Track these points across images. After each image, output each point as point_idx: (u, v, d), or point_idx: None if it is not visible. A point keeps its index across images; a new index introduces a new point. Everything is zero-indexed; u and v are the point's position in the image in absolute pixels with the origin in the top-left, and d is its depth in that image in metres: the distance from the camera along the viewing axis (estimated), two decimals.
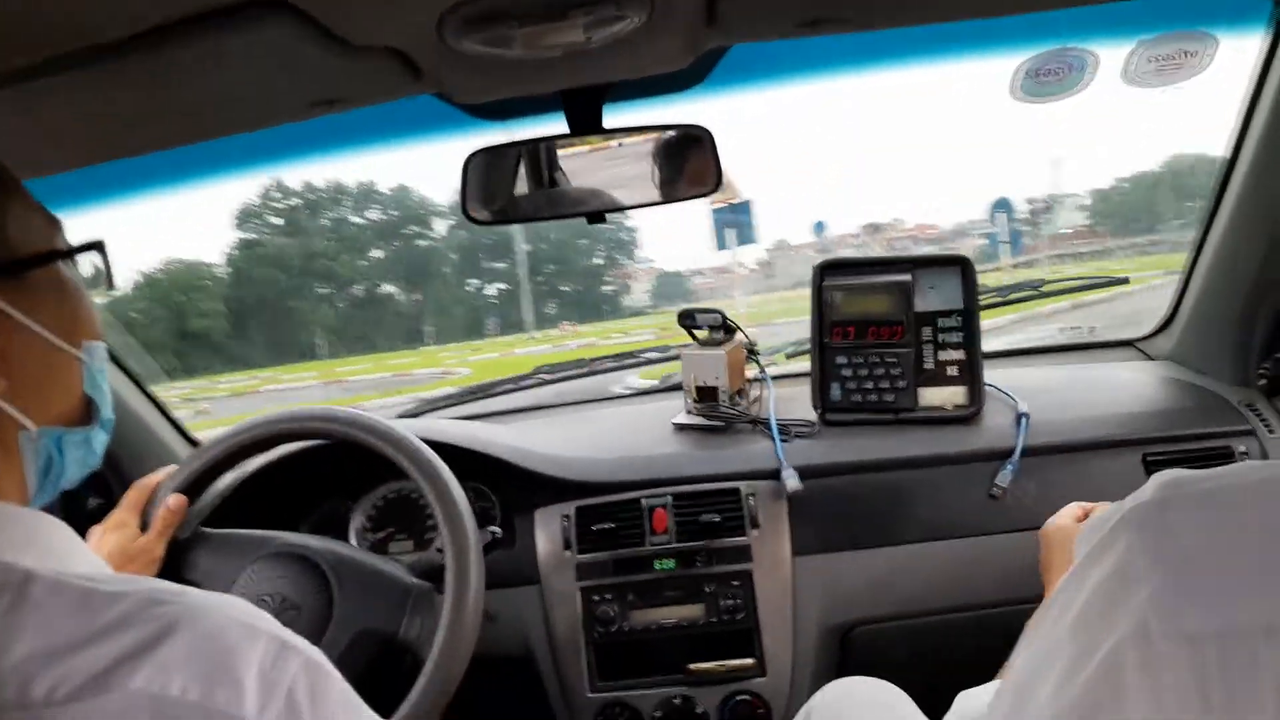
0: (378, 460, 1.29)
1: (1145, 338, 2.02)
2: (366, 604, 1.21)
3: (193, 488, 1.35)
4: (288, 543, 1.29)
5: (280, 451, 1.62)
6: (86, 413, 0.72)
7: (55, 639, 0.55)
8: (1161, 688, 0.54)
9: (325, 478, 1.68)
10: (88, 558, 0.67)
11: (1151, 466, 1.56)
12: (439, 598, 1.20)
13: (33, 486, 0.69)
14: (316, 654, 0.62)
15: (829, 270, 1.72)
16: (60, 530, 0.66)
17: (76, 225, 0.73)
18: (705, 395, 1.73)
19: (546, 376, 2.07)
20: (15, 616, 0.55)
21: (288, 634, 0.62)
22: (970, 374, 1.66)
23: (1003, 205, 12.59)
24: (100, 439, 0.75)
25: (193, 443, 1.87)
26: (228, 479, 1.56)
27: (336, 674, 0.63)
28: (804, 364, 1.93)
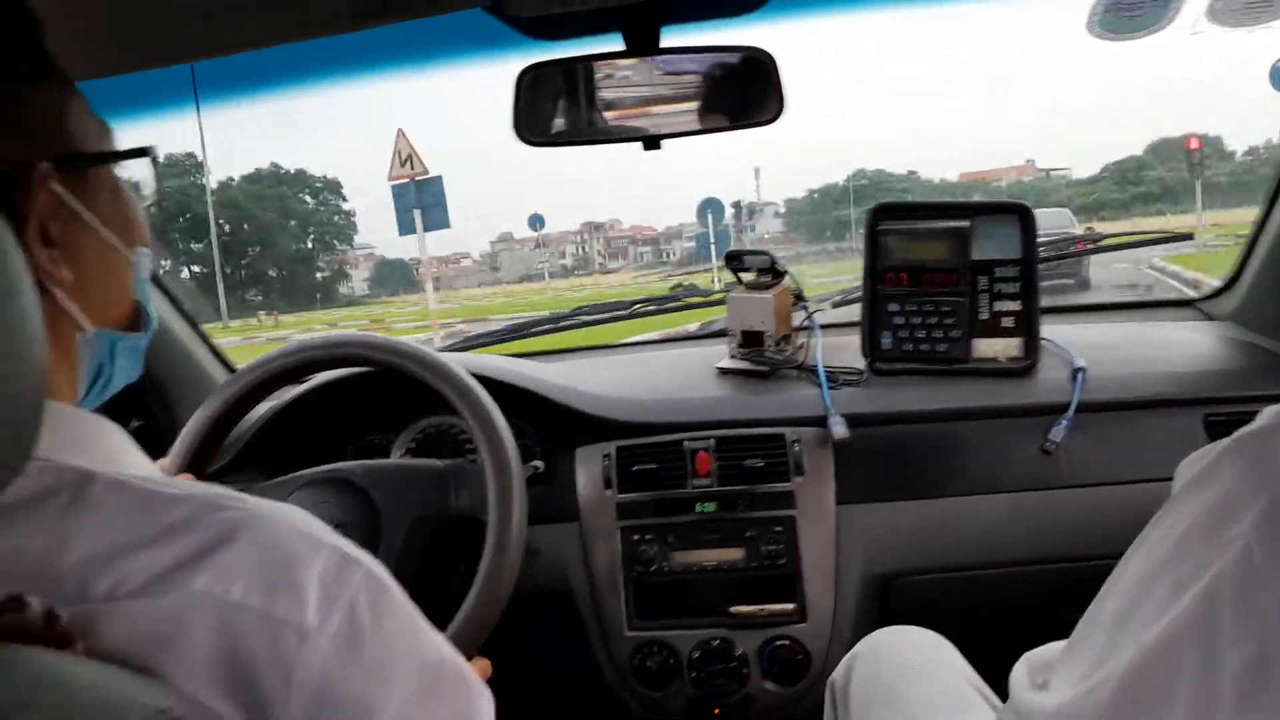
0: (419, 392, 1.28)
1: (1207, 298, 1.96)
2: (408, 496, 1.23)
3: (224, 420, 1.34)
4: (313, 471, 1.29)
5: (319, 380, 1.61)
6: (135, 320, 0.72)
7: (116, 538, 0.54)
8: (1262, 612, 0.51)
9: (364, 410, 1.68)
10: (141, 460, 0.67)
11: (1212, 427, 1.52)
12: (477, 466, 1.22)
13: (81, 391, 0.68)
14: (379, 568, 0.61)
15: (883, 214, 1.67)
16: (114, 432, 0.65)
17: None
18: (750, 340, 1.70)
19: (587, 317, 2.04)
20: (74, 515, 0.55)
21: (349, 546, 0.60)
22: (1026, 326, 1.61)
23: (712, 206, 13.09)
24: (143, 348, 0.74)
25: (230, 368, 1.87)
26: (263, 408, 1.56)
27: (398, 590, 0.62)
28: (850, 313, 1.90)
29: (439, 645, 0.64)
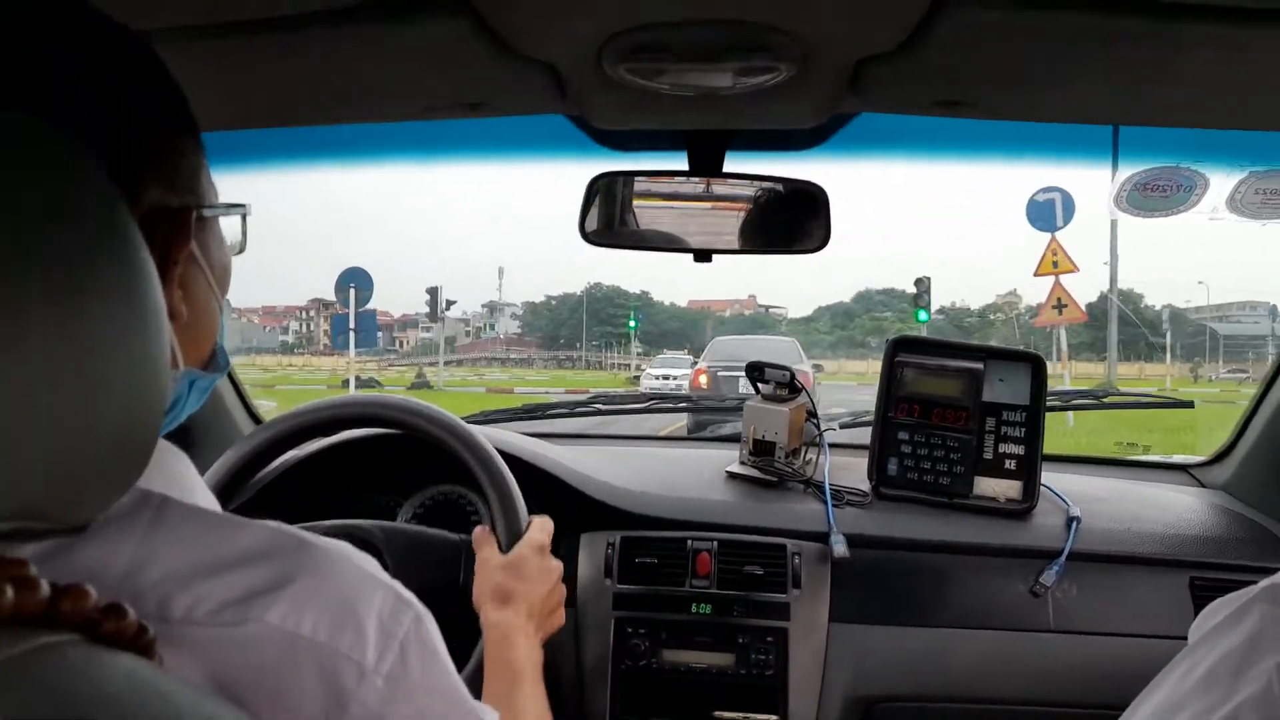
0: (431, 459, 1.31)
1: (1200, 464, 2.02)
2: (421, 566, 1.25)
3: (250, 465, 1.38)
4: (333, 524, 1.32)
5: (336, 439, 1.65)
6: (210, 361, 0.76)
7: (193, 561, 0.57)
8: None
9: (375, 473, 1.71)
10: (205, 491, 0.70)
11: (1198, 591, 1.56)
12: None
13: None
14: (424, 611, 0.65)
15: (903, 347, 1.74)
16: (184, 461, 0.69)
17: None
18: (761, 449, 1.75)
19: (603, 406, 2.09)
20: (154, 536, 0.58)
21: (401, 587, 0.65)
22: (1028, 470, 1.66)
23: (356, 280, 11.16)
24: (211, 388, 0.78)
25: (256, 419, 1.91)
26: (278, 461, 1.58)
27: (438, 632, 0.66)
28: (857, 435, 1.95)
29: (465, 692, 0.68)
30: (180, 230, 0.65)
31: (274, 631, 0.56)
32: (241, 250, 0.83)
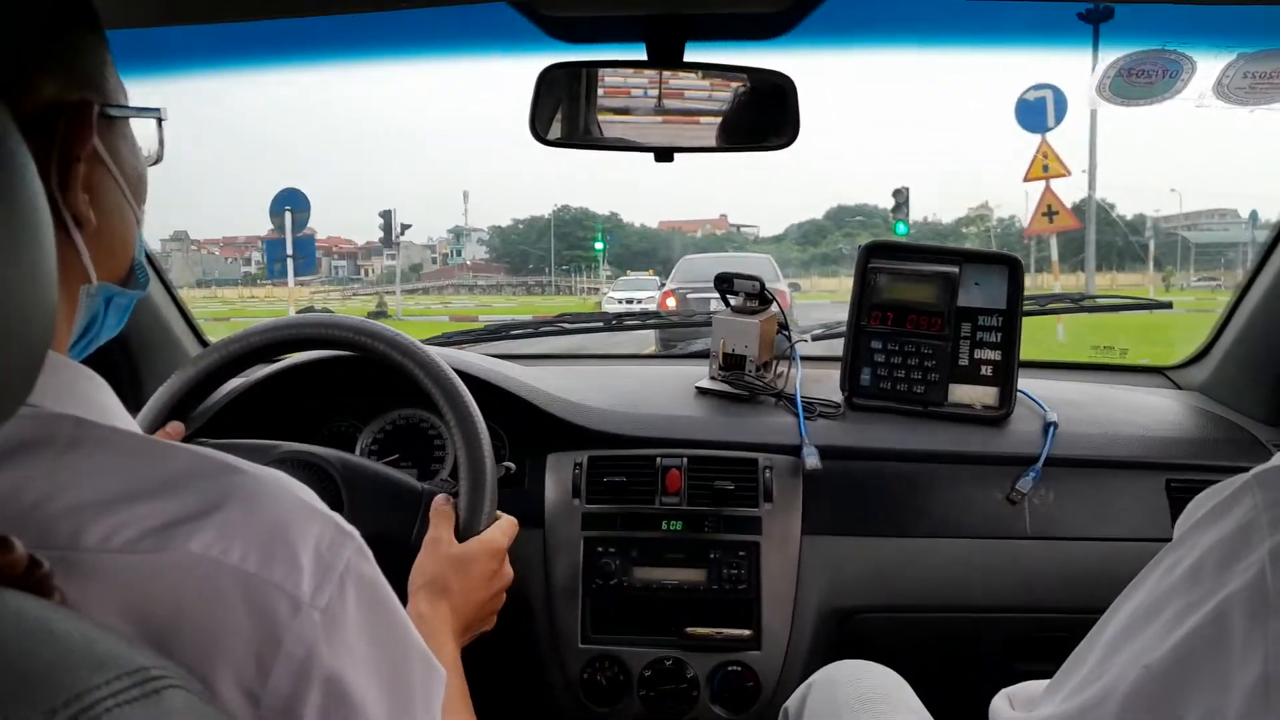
0: (391, 382, 1.25)
1: (1176, 367, 2.00)
2: (378, 510, 1.17)
3: (197, 389, 1.31)
4: (294, 449, 1.25)
5: (292, 360, 1.58)
6: (129, 277, 0.71)
7: (109, 488, 0.53)
8: (1268, 637, 0.53)
9: (333, 396, 1.65)
10: (126, 417, 0.66)
11: (1175, 492, 1.55)
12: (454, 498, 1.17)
13: (70, 341, 0.67)
14: (364, 544, 0.60)
15: (876, 252, 1.68)
16: (102, 386, 0.64)
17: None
18: (732, 363, 1.70)
19: (568, 325, 2.04)
20: (68, 463, 0.54)
21: (341, 519, 0.60)
22: (1004, 376, 1.63)
23: (293, 202, 10.16)
24: (131, 306, 0.73)
25: (203, 341, 1.84)
26: (232, 383, 1.52)
27: (378, 569, 0.61)
28: (831, 347, 1.91)
29: (410, 628, 0.64)
30: (81, 126, 0.61)
31: (197, 560, 0.52)
32: (158, 160, 0.78)
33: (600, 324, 2.08)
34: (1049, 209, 10.00)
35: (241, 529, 0.53)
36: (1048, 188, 9.95)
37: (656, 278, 24.74)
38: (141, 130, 0.73)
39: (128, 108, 0.68)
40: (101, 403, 0.63)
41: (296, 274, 9.92)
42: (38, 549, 0.46)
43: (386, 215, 18.89)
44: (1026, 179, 9.98)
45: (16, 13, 0.58)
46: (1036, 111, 9.77)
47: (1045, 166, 9.85)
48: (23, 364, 0.48)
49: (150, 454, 0.56)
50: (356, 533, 0.60)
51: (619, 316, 2.14)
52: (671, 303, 12.06)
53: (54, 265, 0.50)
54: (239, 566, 0.52)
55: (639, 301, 18.06)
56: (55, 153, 0.59)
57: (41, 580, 0.46)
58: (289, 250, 9.62)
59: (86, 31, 0.64)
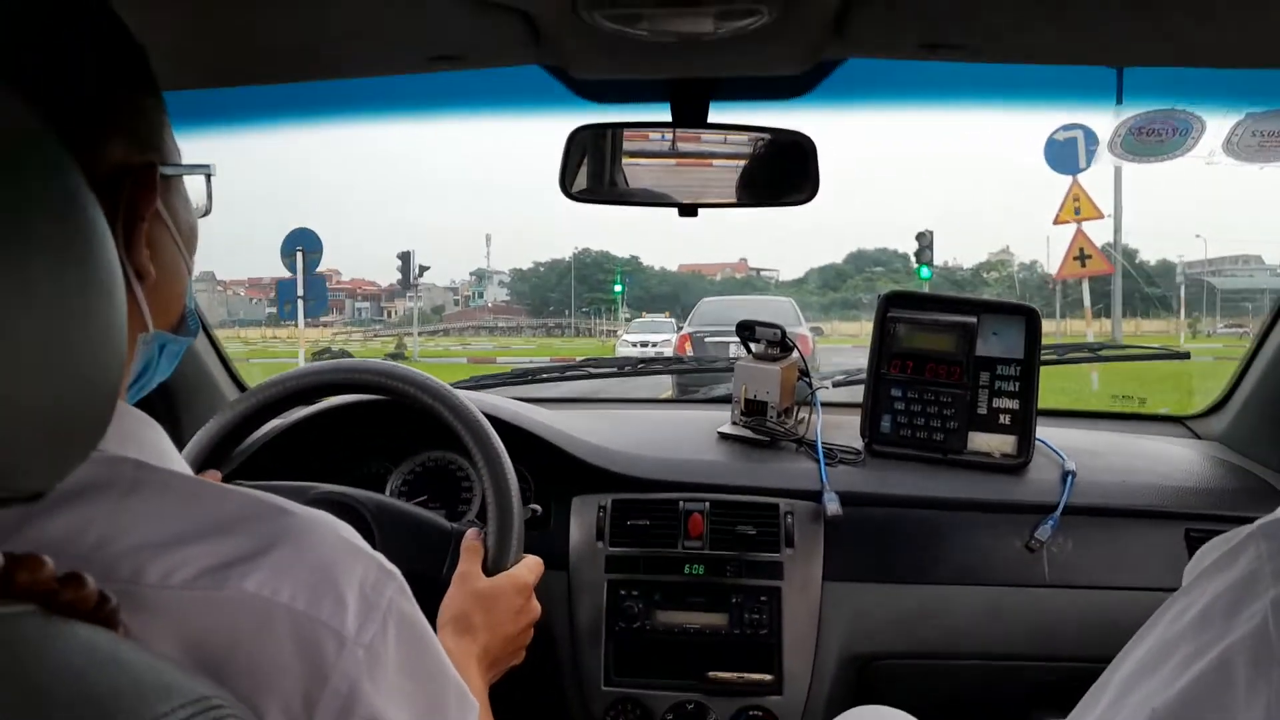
0: (422, 424, 1.29)
1: (1195, 416, 2.00)
2: (409, 549, 1.20)
3: (235, 433, 1.36)
4: (328, 490, 1.29)
5: (325, 405, 1.63)
6: (180, 325, 0.74)
7: (169, 529, 0.56)
8: (1271, 685, 0.55)
9: (365, 438, 1.69)
10: (180, 459, 0.69)
11: (1194, 542, 1.55)
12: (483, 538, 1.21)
13: (126, 386, 0.70)
14: (404, 582, 0.64)
15: (895, 302, 1.72)
16: (156, 430, 0.68)
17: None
18: (753, 409, 1.73)
19: (593, 370, 2.07)
20: (129, 504, 0.57)
21: (383, 558, 0.63)
22: (1022, 424, 1.65)
23: (305, 242, 9.72)
24: (182, 352, 0.77)
25: (240, 385, 1.89)
26: (268, 425, 1.57)
27: (416, 604, 0.64)
28: (850, 394, 1.94)
29: (447, 663, 0.66)
30: (146, 187, 0.64)
31: (251, 599, 0.55)
32: (207, 212, 0.82)
33: (625, 369, 2.11)
34: (1081, 252, 9.44)
35: (291, 569, 0.57)
36: (1079, 231, 9.39)
37: (672, 320, 24.32)
38: (191, 184, 0.76)
39: (183, 165, 0.71)
40: (158, 446, 0.66)
41: (308, 315, 9.73)
42: (101, 585, 0.49)
43: (405, 257, 18.68)
44: (1057, 221, 9.46)
45: (89, 79, 0.61)
46: (1067, 152, 8.88)
47: (1077, 209, 9.29)
48: (98, 413, 0.51)
49: (206, 497, 0.60)
50: (398, 572, 0.63)
51: (643, 361, 2.17)
52: (688, 347, 11.83)
53: (125, 320, 0.53)
54: (289, 605, 0.56)
55: (654, 345, 17.72)
56: (122, 212, 0.62)
57: (110, 614, 0.49)
58: (300, 291, 9.28)
59: (148, 95, 0.67)
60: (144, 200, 0.64)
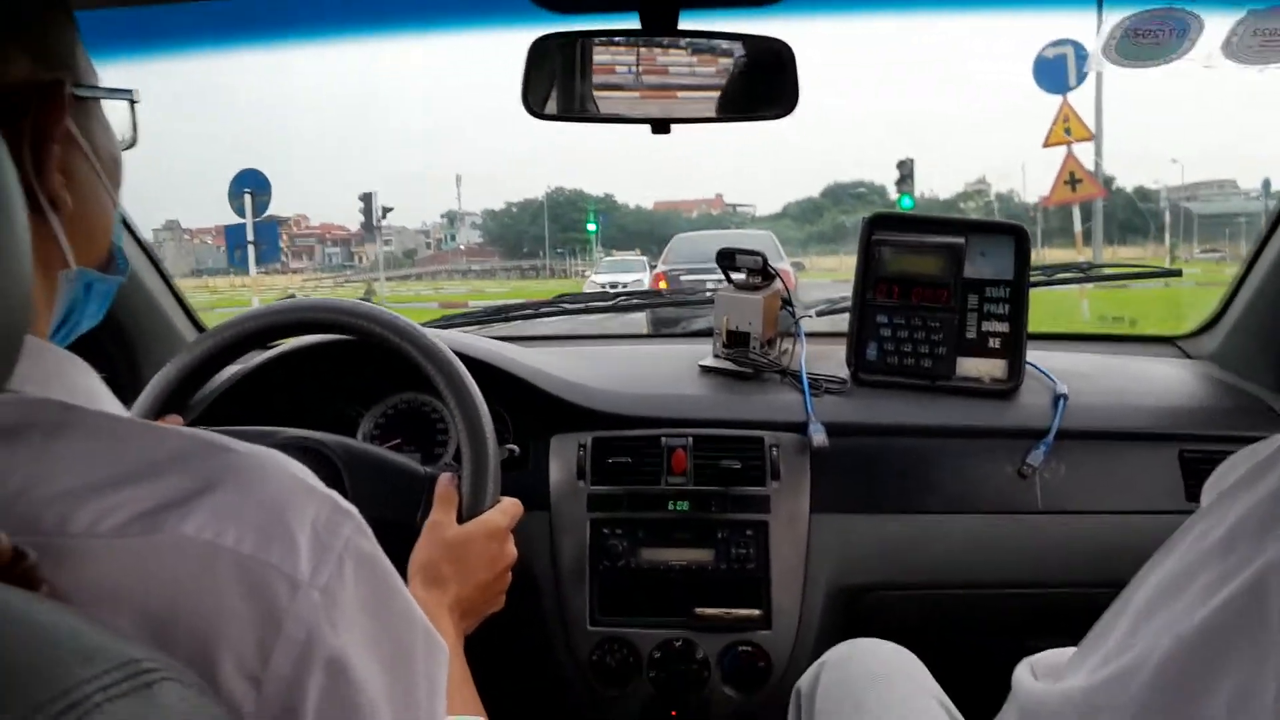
0: (392, 366, 1.24)
1: (1187, 336, 1.97)
2: (380, 494, 1.16)
3: (193, 377, 1.30)
4: (294, 435, 1.23)
5: (291, 344, 1.57)
6: (109, 263, 0.71)
7: (96, 472, 0.51)
8: None
9: (334, 380, 1.63)
10: (114, 402, 0.64)
11: (1188, 463, 1.53)
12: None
13: (51, 328, 0.66)
14: (364, 522, 0.59)
15: (879, 224, 1.66)
16: (87, 370, 0.63)
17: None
18: (735, 340, 1.68)
19: (569, 305, 2.02)
20: (53, 449, 0.52)
21: (338, 497, 0.58)
22: (1013, 348, 1.61)
23: (252, 183, 8.67)
24: (113, 292, 0.72)
25: (198, 325, 1.82)
26: (230, 370, 1.51)
27: (378, 545, 0.60)
28: (836, 323, 1.89)
29: (413, 605, 0.62)
30: (53, 107, 0.60)
31: (190, 543, 0.50)
32: (132, 144, 0.76)
33: (602, 304, 2.06)
34: (1071, 176, 8.88)
35: (236, 510, 0.52)
36: (1070, 154, 8.86)
37: (644, 258, 23.21)
38: (114, 115, 0.71)
39: (100, 88, 0.67)
40: (87, 387, 0.61)
41: (259, 261, 9.14)
42: (23, 537, 0.44)
43: (367, 199, 18.04)
44: (1046, 144, 8.88)
45: None
46: (1056, 69, 8.53)
47: (1067, 130, 8.72)
48: None
49: (139, 436, 0.54)
50: (355, 510, 0.59)
51: (622, 296, 2.12)
52: (663, 286, 11.27)
53: (28, 247, 0.49)
54: (234, 549, 0.51)
55: (624, 286, 15.62)
56: (28, 134, 0.58)
57: (27, 572, 0.44)
58: (249, 236, 8.56)
59: (55, 10, 0.63)
60: (52, 120, 0.60)
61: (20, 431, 0.52)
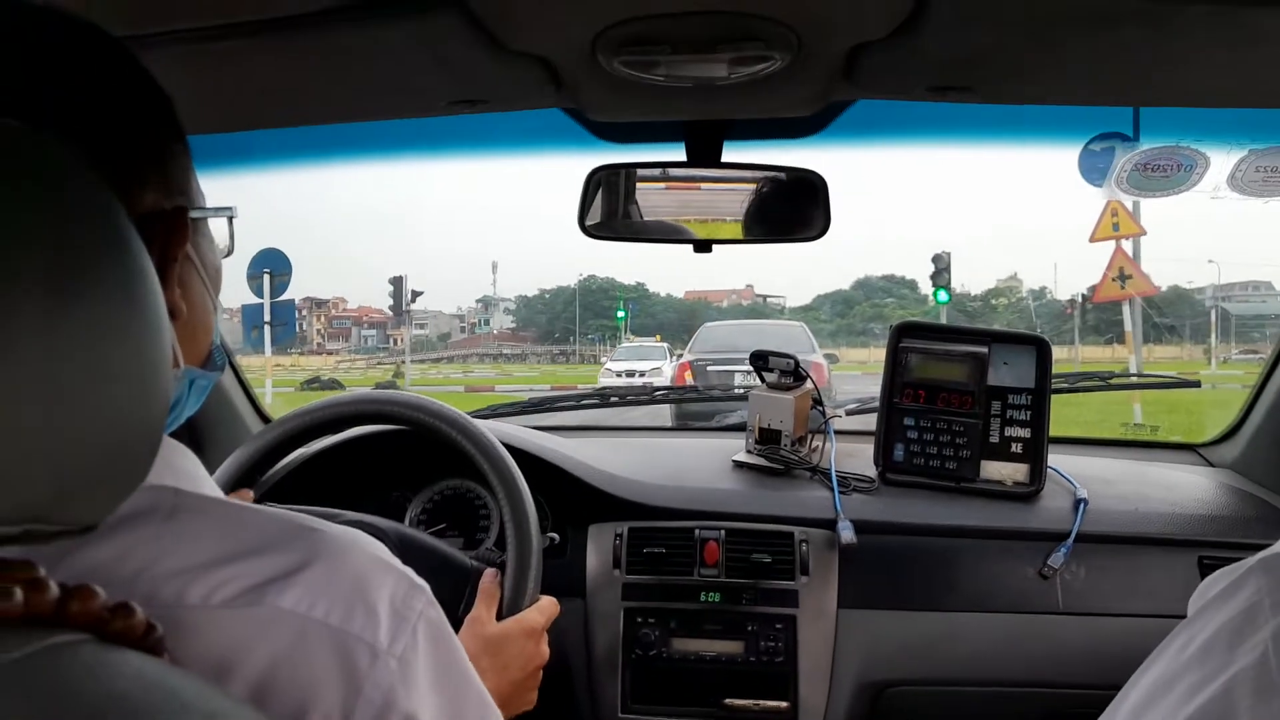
0: (438, 453, 1.31)
1: (1208, 444, 2.01)
2: (428, 583, 1.22)
3: (262, 462, 1.39)
4: (354, 518, 1.31)
5: (349, 435, 1.66)
6: (207, 361, 0.77)
7: (209, 552, 0.59)
8: (1272, 716, 0.57)
9: (385, 467, 1.72)
10: (214, 485, 0.71)
11: (1207, 569, 1.55)
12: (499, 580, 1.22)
13: None
14: (432, 595, 0.67)
15: (907, 332, 1.74)
16: (191, 457, 0.70)
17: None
18: (767, 438, 1.75)
19: (613, 398, 2.10)
20: (168, 531, 0.60)
21: (412, 573, 0.66)
22: (1034, 453, 1.67)
23: (272, 263, 8.23)
24: (210, 387, 0.79)
25: (262, 415, 1.92)
26: (291, 455, 1.59)
27: (444, 615, 0.67)
28: (863, 422, 1.95)
29: (471, 672, 0.70)
30: (177, 231, 0.66)
31: (288, 616, 0.58)
32: (230, 253, 0.84)
33: (644, 398, 2.14)
34: (1121, 273, 8.20)
35: (325, 585, 0.59)
36: (1119, 249, 8.21)
37: (664, 345, 22.46)
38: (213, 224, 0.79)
39: (208, 209, 0.74)
40: (194, 473, 0.69)
41: (276, 341, 8.97)
42: (145, 609, 0.51)
43: (397, 282, 18.12)
44: (1093, 239, 8.06)
45: (121, 127, 0.64)
46: (1103, 164, 8.04)
47: (1115, 225, 7.87)
48: (146, 446, 0.53)
49: (243, 519, 0.62)
50: (426, 586, 0.66)
51: (659, 389, 2.20)
52: (688, 377, 10.81)
53: (169, 357, 0.55)
54: (324, 620, 0.58)
55: (641, 374, 15.84)
56: (155, 255, 0.63)
57: (156, 643, 0.51)
58: (266, 316, 8.38)
59: (176, 141, 0.70)
60: (176, 243, 0.66)
61: (142, 516, 0.60)
